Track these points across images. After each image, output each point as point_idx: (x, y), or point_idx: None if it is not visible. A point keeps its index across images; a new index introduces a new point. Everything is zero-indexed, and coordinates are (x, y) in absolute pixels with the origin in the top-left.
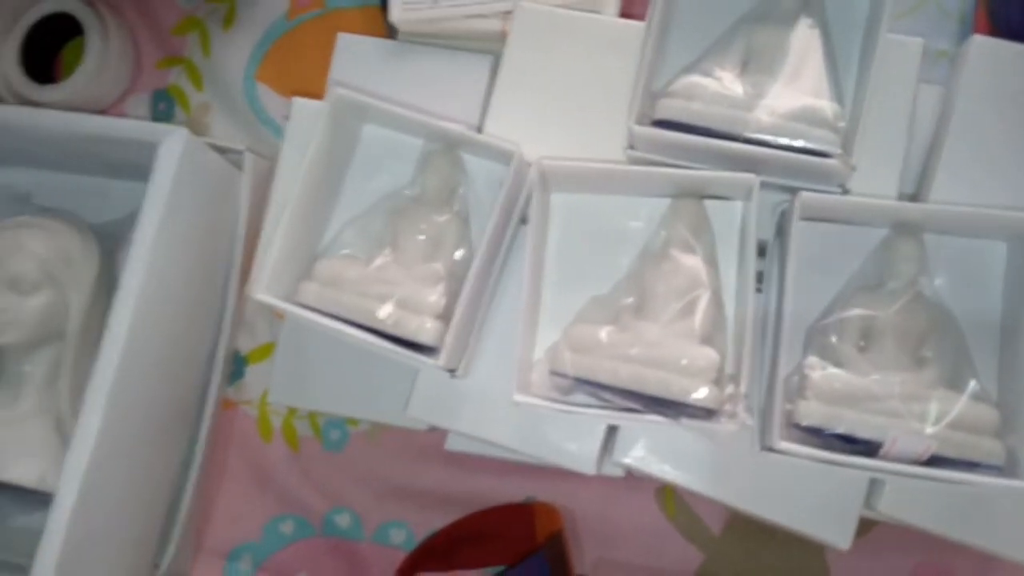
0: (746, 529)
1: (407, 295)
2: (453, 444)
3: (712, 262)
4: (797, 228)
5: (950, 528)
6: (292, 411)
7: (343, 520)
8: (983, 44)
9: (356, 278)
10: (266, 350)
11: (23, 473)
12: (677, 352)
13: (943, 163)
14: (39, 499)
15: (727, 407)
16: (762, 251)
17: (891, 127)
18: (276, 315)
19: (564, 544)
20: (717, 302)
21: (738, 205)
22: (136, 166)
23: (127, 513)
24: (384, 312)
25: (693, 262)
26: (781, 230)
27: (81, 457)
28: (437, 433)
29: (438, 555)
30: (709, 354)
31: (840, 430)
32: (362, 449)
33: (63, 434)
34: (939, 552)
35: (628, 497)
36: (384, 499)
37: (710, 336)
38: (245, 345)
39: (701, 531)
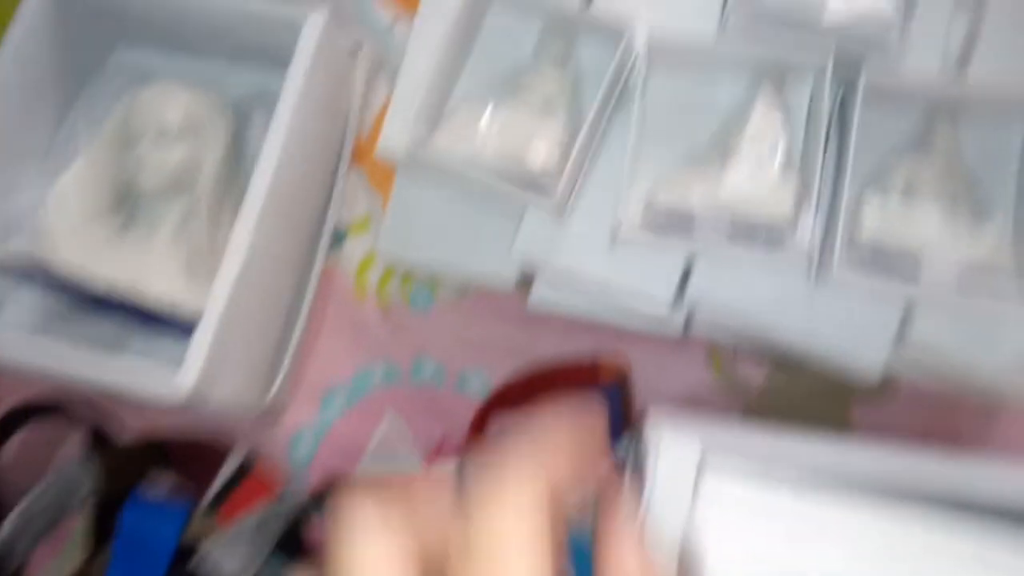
0: (779, 389)
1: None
2: (534, 304)
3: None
4: (861, 101)
5: (971, 358)
6: (385, 277)
7: (427, 369)
8: None
9: (484, 128)
10: (363, 223)
11: (164, 291)
12: (760, 186)
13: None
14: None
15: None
16: None
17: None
18: (376, 188)
19: (630, 386)
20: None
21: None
22: (261, 49)
23: (251, 342)
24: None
25: (771, 123)
26: (841, 106)
27: (227, 280)
28: (516, 297)
29: (509, 401)
30: (788, 187)
31: (894, 246)
32: (446, 312)
33: (193, 267)
34: (949, 412)
35: (679, 356)
36: (465, 352)
37: (786, 180)
38: (344, 220)
39: (742, 389)
